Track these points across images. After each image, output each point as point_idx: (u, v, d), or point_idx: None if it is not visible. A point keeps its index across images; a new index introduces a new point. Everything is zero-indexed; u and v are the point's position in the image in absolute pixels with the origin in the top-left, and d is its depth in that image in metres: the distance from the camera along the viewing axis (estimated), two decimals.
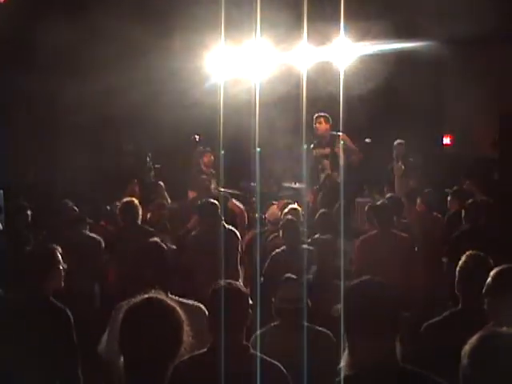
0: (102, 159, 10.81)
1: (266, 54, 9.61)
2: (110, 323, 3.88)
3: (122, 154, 11.36)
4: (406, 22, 9.79)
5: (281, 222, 7.08)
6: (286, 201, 8.26)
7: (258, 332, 4.07)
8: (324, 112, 9.15)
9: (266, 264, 6.06)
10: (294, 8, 8.86)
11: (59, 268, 4.06)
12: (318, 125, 9.10)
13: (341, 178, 8.49)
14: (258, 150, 8.37)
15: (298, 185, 9.49)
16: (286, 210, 7.06)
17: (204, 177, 9.03)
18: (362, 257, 6.06)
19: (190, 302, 3.63)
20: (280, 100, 9.72)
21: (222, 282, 3.22)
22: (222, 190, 8.38)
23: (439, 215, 7.61)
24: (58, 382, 3.80)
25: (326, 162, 9.15)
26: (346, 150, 8.94)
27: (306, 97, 8.42)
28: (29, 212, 6.99)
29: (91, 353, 4.04)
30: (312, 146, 9.18)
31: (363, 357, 2.54)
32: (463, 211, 6.31)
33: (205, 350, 3.11)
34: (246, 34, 9.12)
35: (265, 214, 7.89)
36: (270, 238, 6.98)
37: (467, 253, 3.91)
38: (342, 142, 8.89)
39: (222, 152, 8.83)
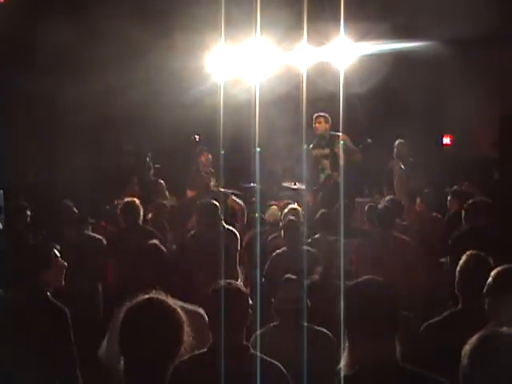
0: (102, 159, 10.81)
1: (266, 54, 9.61)
2: (110, 328, 3.88)
3: (122, 154, 11.35)
4: (405, 22, 9.79)
5: (281, 222, 7.08)
6: (285, 201, 8.27)
7: (258, 332, 4.07)
8: (324, 112, 9.15)
9: (267, 265, 6.04)
10: (294, 8, 8.87)
11: (58, 265, 4.04)
12: (317, 125, 9.10)
13: (341, 178, 8.49)
14: (258, 150, 8.37)
15: (297, 185, 9.48)
16: (286, 210, 7.06)
17: (203, 174, 9.01)
18: (362, 259, 6.04)
19: (190, 306, 3.62)
20: (280, 100, 9.73)
21: (222, 282, 3.22)
22: (222, 189, 8.38)
23: (439, 215, 7.61)
24: (57, 382, 3.79)
25: (326, 162, 9.15)
26: (346, 150, 8.95)
27: (306, 97, 8.42)
28: (28, 212, 6.99)
29: (93, 354, 4.04)
30: (311, 146, 9.18)
31: (363, 357, 2.54)
32: (463, 211, 6.31)
33: (205, 350, 3.11)
34: (246, 33, 9.12)
35: (265, 214, 7.90)
36: (270, 238, 6.97)
37: (467, 253, 3.91)
38: (341, 142, 8.89)
39: (222, 152, 8.83)
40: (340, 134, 8.92)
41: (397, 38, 9.68)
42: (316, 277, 5.41)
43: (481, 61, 10.82)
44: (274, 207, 7.92)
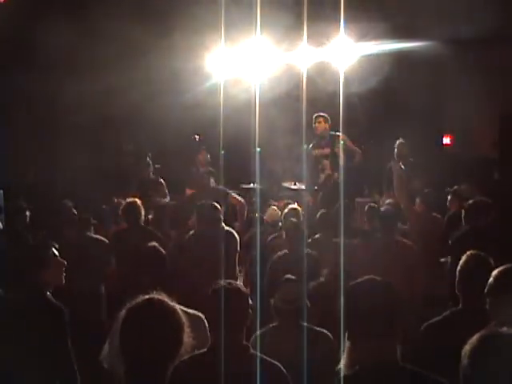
0: (102, 159, 10.81)
1: (266, 54, 9.61)
2: (110, 334, 3.87)
3: (122, 154, 11.36)
4: (405, 22, 9.79)
5: (281, 222, 7.08)
6: (285, 201, 8.27)
7: (258, 332, 4.07)
8: (324, 112, 9.15)
9: (269, 267, 5.98)
10: (294, 8, 8.87)
11: (57, 264, 4.03)
12: (317, 124, 9.10)
13: (341, 178, 8.48)
14: (258, 150, 8.37)
15: (297, 185, 9.48)
16: (286, 211, 7.05)
17: (202, 172, 9.00)
18: (364, 262, 6.01)
19: (191, 311, 3.62)
20: (280, 100, 9.73)
21: (222, 282, 3.22)
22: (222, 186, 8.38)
23: (438, 215, 7.61)
24: (57, 382, 3.79)
25: (326, 162, 9.15)
26: (346, 150, 8.95)
27: (306, 97, 8.42)
28: (28, 213, 7.00)
29: (95, 355, 4.04)
30: (311, 145, 9.18)
31: (363, 356, 2.55)
32: (463, 211, 6.31)
33: (205, 349, 3.12)
34: (246, 34, 9.12)
35: (265, 214, 7.88)
36: (270, 238, 6.97)
37: (468, 253, 3.91)
38: (341, 142, 8.89)
39: (222, 152, 8.83)
40: (340, 133, 8.92)
41: (397, 38, 9.67)
42: (322, 279, 5.38)
43: (481, 61, 10.82)
44: (274, 207, 7.92)
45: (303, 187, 9.19)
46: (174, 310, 2.49)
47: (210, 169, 9.04)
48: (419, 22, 9.77)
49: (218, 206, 6.31)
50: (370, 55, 9.65)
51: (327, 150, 9.14)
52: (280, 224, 7.36)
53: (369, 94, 10.23)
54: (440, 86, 11.51)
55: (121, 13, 9.03)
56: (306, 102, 8.35)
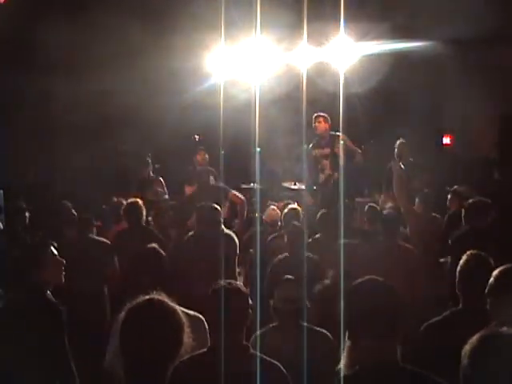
0: (102, 159, 10.80)
1: (266, 54, 9.61)
2: (111, 335, 3.86)
3: (122, 155, 11.35)
4: (405, 22, 9.79)
5: (280, 222, 7.07)
6: (285, 201, 8.26)
7: (258, 332, 4.06)
8: (324, 112, 9.15)
9: (269, 270, 5.95)
10: (294, 8, 8.86)
11: (56, 263, 4.02)
12: (317, 124, 9.10)
13: (341, 178, 8.48)
14: (258, 150, 8.36)
15: (297, 185, 9.48)
16: (286, 211, 7.05)
17: (199, 168, 8.99)
18: (366, 265, 5.99)
19: (191, 312, 3.61)
20: (280, 100, 9.72)
21: (222, 282, 3.22)
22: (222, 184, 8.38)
23: (438, 216, 7.60)
24: (57, 382, 3.79)
25: (326, 162, 9.15)
26: (346, 150, 8.94)
27: (306, 97, 8.41)
28: (27, 214, 7.00)
29: (97, 355, 4.04)
30: (311, 145, 9.18)
31: (363, 356, 2.54)
32: (463, 211, 6.30)
33: (205, 349, 3.12)
34: (246, 33, 9.12)
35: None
36: (270, 238, 6.96)
37: (468, 252, 3.91)
38: (341, 142, 8.89)
39: (222, 152, 8.82)
40: (340, 133, 8.92)
41: (397, 38, 9.68)
42: (327, 281, 5.35)
43: (481, 61, 10.82)
44: (273, 207, 7.92)
45: (303, 187, 9.19)
46: (174, 311, 2.49)
47: (209, 168, 9.03)
48: (419, 21, 9.77)
49: (219, 208, 6.27)
50: (370, 55, 9.66)
51: (327, 150, 9.14)
52: (279, 223, 7.37)
53: (369, 94, 10.23)
54: (440, 85, 11.50)
55: (120, 13, 9.03)
56: (305, 102, 8.35)
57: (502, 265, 3.52)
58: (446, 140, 12.32)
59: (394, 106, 11.06)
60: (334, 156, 9.04)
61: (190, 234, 6.39)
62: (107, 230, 7.35)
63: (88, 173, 9.79)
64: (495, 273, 3.45)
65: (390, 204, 7.71)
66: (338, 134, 8.96)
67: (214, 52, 9.87)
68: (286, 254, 6.09)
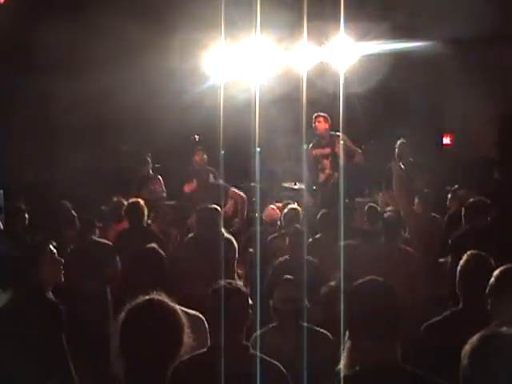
0: (101, 159, 10.80)
1: (266, 54, 9.60)
2: (112, 335, 3.85)
3: (122, 155, 11.35)
4: (405, 22, 9.80)
5: (279, 222, 7.06)
6: (285, 201, 8.26)
7: (258, 332, 4.06)
8: (324, 112, 9.15)
9: (270, 272, 5.92)
10: (294, 7, 8.86)
11: (54, 261, 4.01)
12: (317, 124, 9.09)
13: (341, 178, 8.48)
14: (258, 150, 8.36)
15: (298, 185, 9.47)
16: (286, 211, 7.04)
17: (198, 167, 8.98)
18: (366, 266, 5.98)
19: (191, 311, 3.61)
20: (280, 100, 9.72)
21: (222, 282, 3.22)
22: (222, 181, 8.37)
23: (437, 216, 7.60)
24: (56, 381, 3.78)
25: (326, 162, 9.15)
26: (346, 150, 8.94)
27: (306, 97, 8.41)
28: (26, 215, 7.00)
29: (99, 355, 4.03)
30: (311, 145, 9.18)
31: (363, 357, 2.54)
32: (463, 211, 6.30)
33: (205, 349, 3.11)
34: (246, 33, 9.12)
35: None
36: (270, 238, 6.96)
37: (468, 252, 3.91)
38: (341, 142, 8.89)
39: (222, 152, 8.82)
40: (340, 133, 8.91)
41: (397, 38, 9.68)
42: (333, 283, 5.34)
43: (481, 61, 10.82)
44: (272, 206, 7.92)
45: (303, 187, 9.19)
46: (174, 311, 2.49)
47: (208, 167, 9.03)
48: (419, 21, 9.78)
49: (219, 209, 6.25)
50: (370, 55, 9.66)
51: (327, 150, 9.13)
52: (279, 223, 7.37)
53: (369, 94, 10.23)
54: (440, 85, 11.51)
55: (120, 13, 9.03)
56: (305, 102, 8.34)
57: (502, 265, 3.52)
58: (446, 140, 12.32)
59: (394, 106, 11.06)
60: (334, 156, 9.04)
61: (190, 235, 6.38)
62: (107, 230, 7.35)
63: (88, 173, 9.78)
64: (496, 273, 3.45)
65: (389, 206, 7.69)
66: (338, 133, 8.96)
67: (213, 52, 9.86)
68: (287, 256, 6.06)
